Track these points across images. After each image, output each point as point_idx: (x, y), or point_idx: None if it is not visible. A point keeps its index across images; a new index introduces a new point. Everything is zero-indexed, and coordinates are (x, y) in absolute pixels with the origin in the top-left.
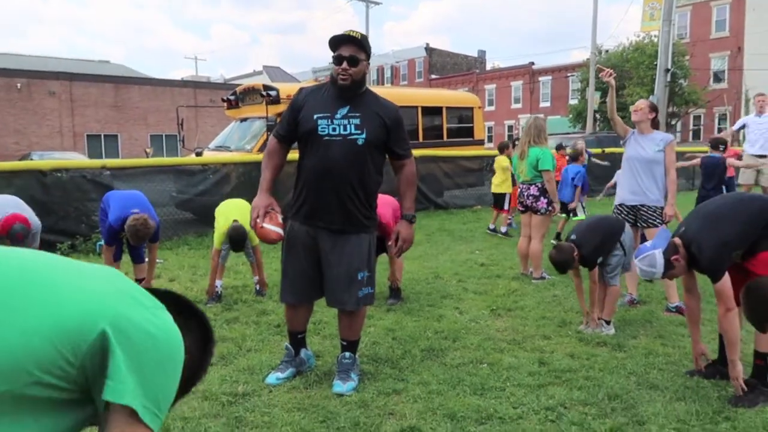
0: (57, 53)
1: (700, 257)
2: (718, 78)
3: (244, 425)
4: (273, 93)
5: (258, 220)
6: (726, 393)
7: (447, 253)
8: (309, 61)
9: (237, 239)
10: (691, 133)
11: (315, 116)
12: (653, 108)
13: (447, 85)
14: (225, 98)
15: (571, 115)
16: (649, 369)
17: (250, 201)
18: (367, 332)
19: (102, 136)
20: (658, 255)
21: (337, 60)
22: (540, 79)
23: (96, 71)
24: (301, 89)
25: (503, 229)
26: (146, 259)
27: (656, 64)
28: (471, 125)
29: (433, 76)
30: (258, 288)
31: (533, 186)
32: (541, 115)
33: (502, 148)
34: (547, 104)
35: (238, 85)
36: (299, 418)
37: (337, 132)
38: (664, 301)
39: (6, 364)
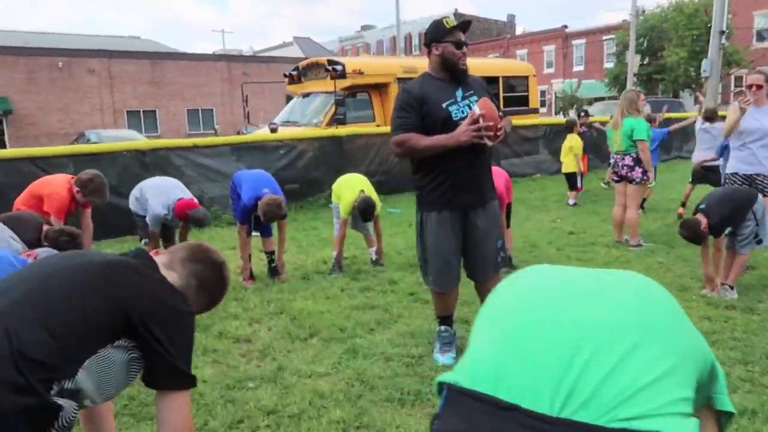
0: (73, 28)
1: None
2: (761, 37)
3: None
4: (339, 68)
5: (473, 128)
6: None
7: (529, 222)
8: (330, 30)
9: (367, 209)
10: (732, 95)
11: (444, 104)
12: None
13: (477, 52)
14: (287, 74)
15: (607, 79)
16: None
17: (330, 175)
18: None
19: (141, 112)
20: None
21: (458, 45)
22: (573, 42)
23: (128, 47)
24: (405, 87)
25: (571, 201)
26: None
27: (695, 23)
28: (526, 94)
29: None
30: (375, 258)
31: (628, 156)
32: (635, 88)
33: (571, 127)
34: (581, 68)
35: (269, 57)
36: None
37: (465, 113)
38: None
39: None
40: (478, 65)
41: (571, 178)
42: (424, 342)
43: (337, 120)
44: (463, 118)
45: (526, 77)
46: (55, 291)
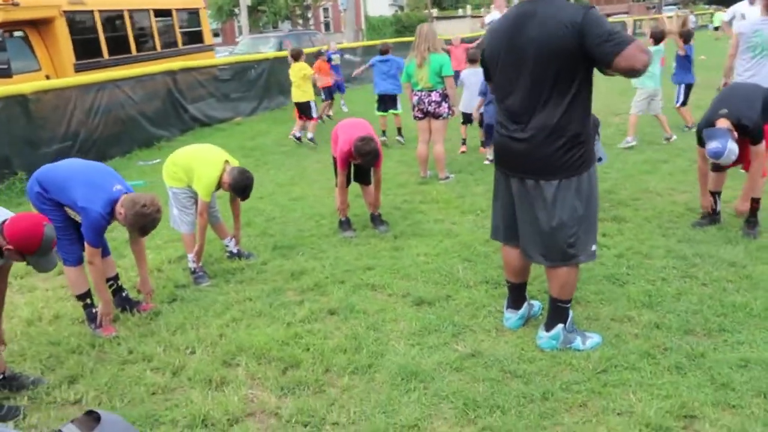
0: None
1: (753, 127)
2: None
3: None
4: None
5: None
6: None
7: (304, 171)
8: None
9: (249, 183)
10: (323, 25)
11: None
12: None
13: None
14: None
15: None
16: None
17: (19, 149)
18: None
19: None
20: (732, 145)
21: None
22: None
23: None
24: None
25: (310, 135)
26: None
27: None
28: (200, 29)
29: None
30: (237, 249)
31: (434, 92)
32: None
33: (297, 56)
34: None
35: None
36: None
37: None
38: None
39: None
40: None
41: (305, 108)
42: (451, 337)
43: None
44: None
45: (197, 10)
46: None
